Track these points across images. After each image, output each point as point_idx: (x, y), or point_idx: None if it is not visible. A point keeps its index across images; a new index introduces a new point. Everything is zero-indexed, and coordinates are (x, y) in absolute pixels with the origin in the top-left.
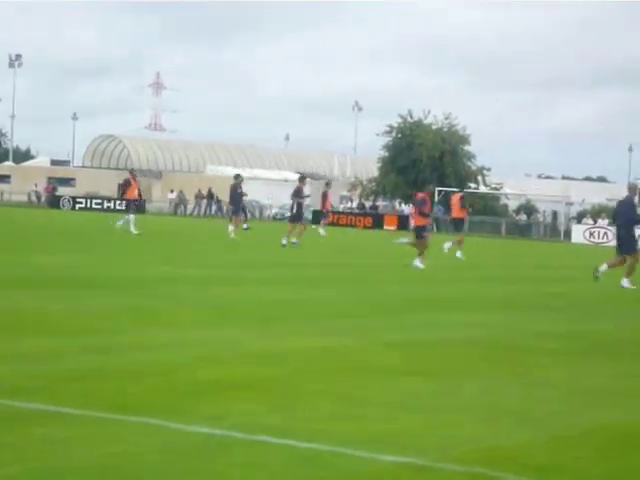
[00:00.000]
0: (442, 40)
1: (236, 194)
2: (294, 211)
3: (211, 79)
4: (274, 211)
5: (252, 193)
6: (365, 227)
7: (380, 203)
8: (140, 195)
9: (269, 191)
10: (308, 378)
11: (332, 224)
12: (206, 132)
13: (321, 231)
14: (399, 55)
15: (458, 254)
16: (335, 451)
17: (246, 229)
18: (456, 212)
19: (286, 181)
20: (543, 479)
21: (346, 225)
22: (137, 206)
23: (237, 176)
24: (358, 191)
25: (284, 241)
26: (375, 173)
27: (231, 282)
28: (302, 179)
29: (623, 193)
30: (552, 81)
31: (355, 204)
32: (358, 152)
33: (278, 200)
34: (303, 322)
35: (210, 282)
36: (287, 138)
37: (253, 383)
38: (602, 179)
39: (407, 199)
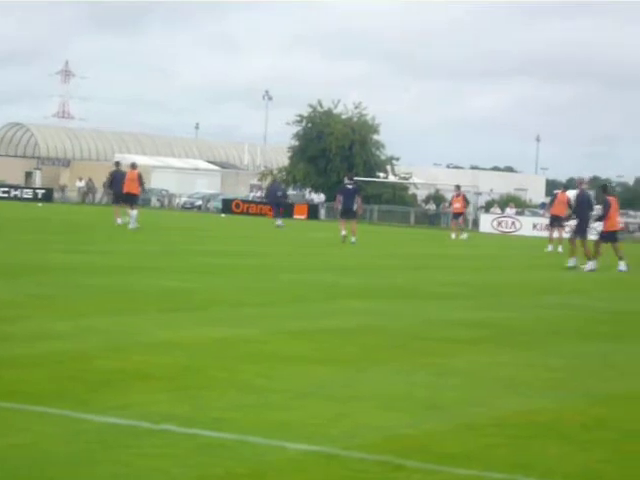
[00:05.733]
0: (351, 30)
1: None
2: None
3: (121, 67)
4: (183, 200)
5: (162, 182)
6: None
7: (290, 192)
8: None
9: (179, 180)
10: (212, 367)
11: (242, 213)
12: (116, 120)
13: (464, 235)
14: (310, 44)
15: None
16: (241, 439)
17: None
18: (557, 210)
19: (197, 170)
20: (451, 467)
21: (256, 214)
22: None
23: (274, 175)
24: (268, 180)
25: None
26: (285, 162)
27: (132, 270)
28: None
29: (530, 183)
30: (460, 72)
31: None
32: (268, 141)
33: (188, 189)
34: (205, 311)
35: (112, 271)
36: (197, 127)
37: (157, 372)
38: (510, 169)
39: (317, 188)
